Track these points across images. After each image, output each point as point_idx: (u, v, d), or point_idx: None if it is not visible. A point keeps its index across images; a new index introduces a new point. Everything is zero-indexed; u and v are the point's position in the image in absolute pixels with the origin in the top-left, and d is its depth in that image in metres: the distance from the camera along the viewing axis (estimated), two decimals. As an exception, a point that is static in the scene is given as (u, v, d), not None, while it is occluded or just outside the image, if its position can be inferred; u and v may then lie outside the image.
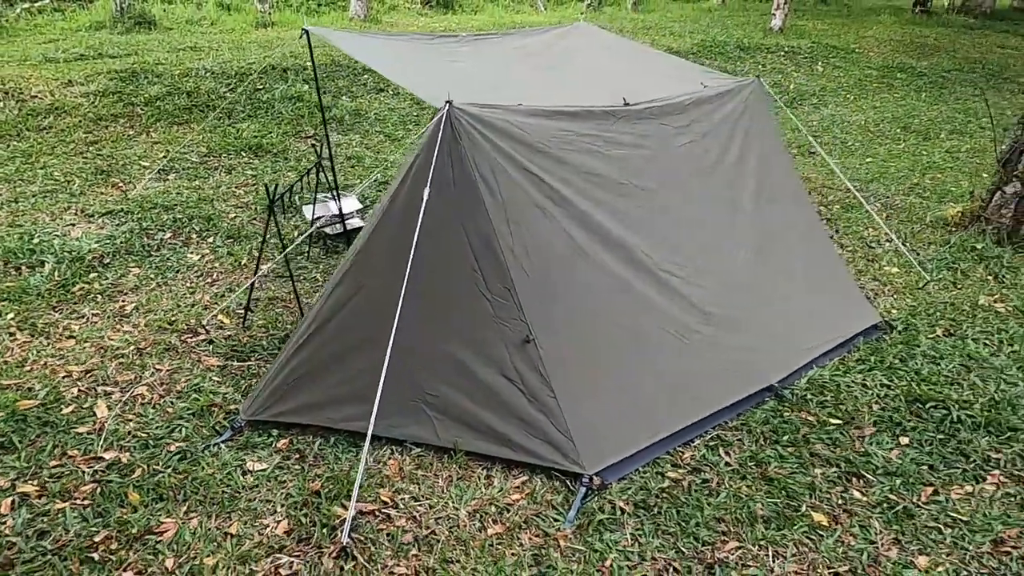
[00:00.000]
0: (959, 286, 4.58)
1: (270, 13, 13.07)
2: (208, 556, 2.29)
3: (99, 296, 3.97)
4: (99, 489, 2.56)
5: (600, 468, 2.78)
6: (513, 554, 2.40)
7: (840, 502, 2.72)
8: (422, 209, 2.79)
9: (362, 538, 2.39)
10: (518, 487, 2.70)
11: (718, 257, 3.60)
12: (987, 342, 3.88)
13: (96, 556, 2.28)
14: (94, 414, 2.96)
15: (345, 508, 2.48)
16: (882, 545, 2.53)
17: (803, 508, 2.67)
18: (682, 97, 3.75)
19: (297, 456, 2.76)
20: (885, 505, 2.72)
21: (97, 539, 2.35)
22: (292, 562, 2.28)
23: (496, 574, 2.31)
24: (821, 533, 2.56)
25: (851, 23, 15.59)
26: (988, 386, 3.46)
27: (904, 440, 3.09)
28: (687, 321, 3.29)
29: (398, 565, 2.29)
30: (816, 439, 3.06)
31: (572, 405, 2.83)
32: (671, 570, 2.39)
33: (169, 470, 2.66)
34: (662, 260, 3.35)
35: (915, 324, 4.03)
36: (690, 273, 3.43)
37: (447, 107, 2.90)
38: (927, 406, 3.29)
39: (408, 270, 2.72)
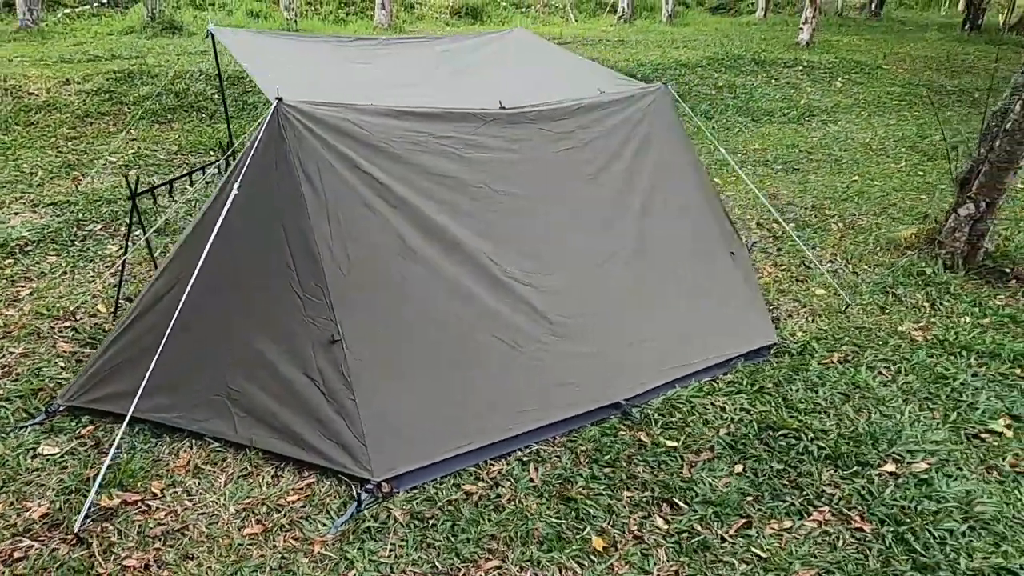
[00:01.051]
0: (886, 312, 4.28)
1: (296, 20, 13.50)
2: (-35, 533, 2.34)
3: (3, 280, 4.14)
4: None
5: (392, 475, 2.70)
6: (261, 555, 2.35)
7: (634, 528, 2.56)
8: (227, 204, 2.80)
9: (111, 528, 2.39)
10: (301, 488, 2.66)
11: (584, 266, 3.46)
12: (883, 371, 3.61)
13: None
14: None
15: (112, 497, 2.49)
16: (657, 576, 2.37)
17: (586, 531, 2.52)
18: (569, 103, 3.64)
19: (93, 443, 2.79)
20: (685, 535, 2.54)
21: None
22: (32, 546, 2.30)
23: (233, 574, 2.27)
24: (593, 559, 2.42)
25: (888, 39, 14.95)
26: (859, 417, 3.22)
27: (739, 468, 2.89)
28: (528, 329, 3.18)
29: (130, 557, 2.27)
30: (641, 461, 2.90)
31: (372, 409, 2.77)
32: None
33: (-29, 448, 2.74)
34: (509, 265, 3.25)
35: (813, 348, 3.79)
36: (542, 280, 3.31)
37: (276, 104, 2.90)
38: (779, 434, 3.07)
39: (200, 263, 2.74)
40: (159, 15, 11.98)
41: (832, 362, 3.67)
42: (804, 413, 3.22)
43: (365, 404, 2.77)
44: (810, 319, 4.16)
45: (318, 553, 2.38)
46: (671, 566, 2.41)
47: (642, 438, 3.03)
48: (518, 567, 2.37)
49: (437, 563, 2.37)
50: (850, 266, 4.89)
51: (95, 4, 12.73)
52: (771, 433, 3.08)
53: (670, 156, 3.95)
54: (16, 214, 5.09)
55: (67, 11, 12.34)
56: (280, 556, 2.36)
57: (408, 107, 3.23)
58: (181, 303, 2.80)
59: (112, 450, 2.45)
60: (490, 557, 2.41)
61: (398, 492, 2.67)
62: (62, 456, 2.67)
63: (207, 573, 2.26)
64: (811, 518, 2.64)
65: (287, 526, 2.48)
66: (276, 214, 2.93)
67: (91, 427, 2.87)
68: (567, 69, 4.60)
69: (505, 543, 2.46)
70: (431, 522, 2.54)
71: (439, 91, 3.88)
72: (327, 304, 2.85)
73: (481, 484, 2.75)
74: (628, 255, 3.60)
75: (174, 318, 2.79)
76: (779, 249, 5.18)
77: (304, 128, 2.94)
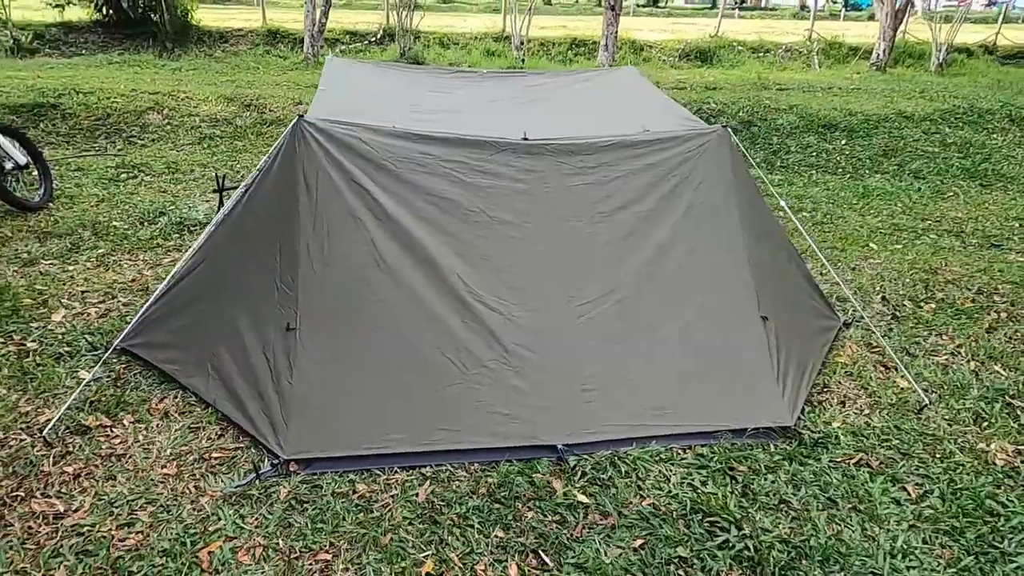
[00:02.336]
0: (980, 423, 3.43)
1: (523, 59, 14.57)
2: None
3: (159, 249, 5.23)
4: None
5: (302, 457, 2.94)
6: (159, 492, 2.74)
7: (481, 568, 2.47)
8: (242, 202, 3.33)
9: (78, 442, 2.98)
10: (230, 450, 3.02)
11: (564, 304, 3.37)
12: (909, 488, 2.93)
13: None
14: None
15: (97, 419, 3.11)
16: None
17: (426, 555, 2.49)
18: (597, 139, 3.61)
19: (115, 378, 3.46)
20: (527, 590, 2.39)
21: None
22: (22, 439, 2.97)
23: (129, 499, 2.69)
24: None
25: None
26: (828, 529, 2.67)
27: (638, 543, 2.60)
28: (479, 354, 3.20)
29: (71, 465, 2.82)
30: (537, 508, 2.75)
31: (303, 395, 3.05)
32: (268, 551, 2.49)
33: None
34: (483, 290, 3.31)
35: (836, 442, 3.20)
36: (514, 311, 3.31)
37: (296, 120, 3.37)
38: (708, 520, 2.69)
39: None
40: (407, 51, 13.80)
41: (848, 464, 3.07)
42: (759, 508, 2.77)
43: (299, 389, 3.05)
44: (863, 411, 3.50)
45: (202, 503, 2.71)
46: (486, 614, 2.30)
47: (555, 486, 2.88)
48: (344, 567, 2.45)
49: (281, 541, 2.55)
50: (975, 363, 3.98)
51: (365, 42, 15.08)
52: (700, 518, 2.71)
53: (712, 203, 3.66)
54: (206, 202, 6.35)
55: (343, 47, 14.79)
56: (172, 496, 2.73)
57: (423, 131, 3.47)
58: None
59: (89, 377, 3.06)
60: (328, 550, 2.52)
61: (299, 473, 2.90)
62: (89, 382, 3.37)
63: (113, 492, 2.72)
64: (680, 614, 2.30)
65: (196, 476, 2.85)
66: (277, 215, 3.37)
67: (123, 366, 3.56)
68: (635, 107, 4.48)
69: (349, 542, 2.55)
70: (304, 506, 2.72)
71: (480, 119, 4.06)
72: (295, 296, 3.21)
73: (374, 487, 2.85)
74: (620, 301, 3.41)
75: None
76: (891, 329, 4.39)
77: (315, 142, 3.34)
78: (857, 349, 4.09)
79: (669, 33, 17.66)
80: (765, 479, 2.94)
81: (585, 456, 3.05)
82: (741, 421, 3.27)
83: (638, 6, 30.45)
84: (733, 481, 2.92)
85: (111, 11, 13.73)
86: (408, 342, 3.20)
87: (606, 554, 2.54)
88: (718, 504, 2.76)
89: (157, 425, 3.14)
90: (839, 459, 3.10)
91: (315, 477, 2.88)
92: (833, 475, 2.98)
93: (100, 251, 5.07)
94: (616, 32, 14.13)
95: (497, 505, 2.77)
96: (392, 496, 2.80)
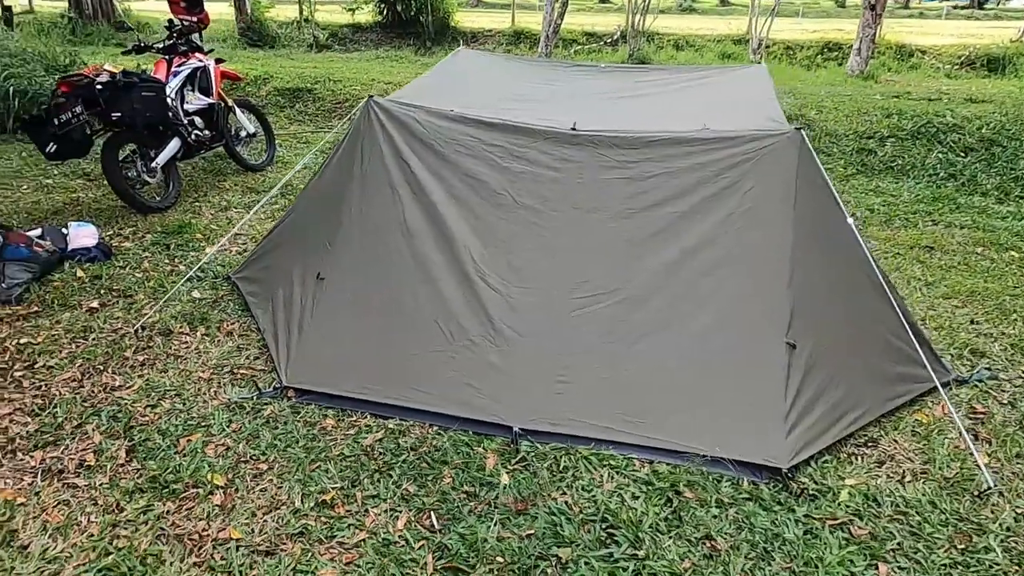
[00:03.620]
0: (1059, 526, 2.66)
1: (761, 58, 13.69)
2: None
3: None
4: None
5: (299, 387, 3.37)
6: (188, 389, 3.39)
7: (377, 514, 2.66)
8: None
9: (156, 341, 3.78)
10: (257, 368, 3.58)
11: (564, 295, 3.35)
12: (897, 568, 2.42)
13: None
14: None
15: (180, 326, 3.91)
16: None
17: (331, 487, 2.75)
18: (644, 134, 3.52)
19: (213, 299, 4.26)
20: (430, 534, 2.53)
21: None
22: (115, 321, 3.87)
23: (172, 389, 3.38)
24: (323, 508, 2.67)
25: None
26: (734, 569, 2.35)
27: (526, 533, 2.56)
28: (468, 327, 3.34)
29: (141, 354, 3.61)
30: (457, 475, 2.84)
31: (314, 335, 3.50)
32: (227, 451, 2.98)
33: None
34: (488, 269, 3.44)
35: (833, 497, 2.75)
36: (514, 293, 3.39)
37: (367, 100, 3.83)
38: (606, 528, 2.53)
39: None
40: (635, 52, 13.83)
41: (823, 523, 2.63)
42: (676, 537, 2.53)
43: (312, 329, 3.51)
44: (903, 477, 2.91)
45: (211, 404, 3.29)
46: (353, 548, 2.49)
47: (488, 462, 2.93)
48: (271, 478, 2.82)
49: (241, 446, 3.00)
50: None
51: (601, 43, 15.41)
52: (604, 526, 2.57)
53: (760, 211, 3.34)
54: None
55: (577, 47, 15.30)
56: (194, 394, 3.35)
57: (474, 116, 3.70)
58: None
59: (177, 287, 3.86)
60: (267, 463, 2.91)
61: (292, 401, 3.34)
62: (198, 298, 4.22)
63: (158, 381, 3.43)
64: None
65: (221, 384, 3.45)
66: (337, 181, 3.87)
67: (225, 292, 4.36)
68: (727, 105, 4.14)
69: (286, 461, 2.92)
70: (275, 424, 3.15)
71: (554, 109, 4.10)
72: (333, 252, 3.67)
73: (339, 425, 3.18)
74: (624, 301, 3.30)
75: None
76: (1017, 399, 3.51)
77: (376, 119, 3.76)
78: (947, 411, 3.37)
79: (955, 37, 15.14)
80: (706, 512, 2.66)
81: (538, 444, 3.04)
82: (726, 450, 2.96)
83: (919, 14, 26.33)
84: (667, 504, 2.69)
85: (389, 13, 15.94)
86: (409, 306, 3.46)
87: (491, 533, 2.56)
88: (631, 519, 2.58)
89: (218, 340, 3.83)
90: (817, 516, 2.66)
91: (300, 405, 3.30)
92: (792, 529, 2.58)
93: (276, 207, 6.13)
94: (874, 35, 12.62)
95: (423, 464, 2.92)
96: (345, 435, 3.10)
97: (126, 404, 3.26)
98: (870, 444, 3.13)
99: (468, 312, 3.38)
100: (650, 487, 2.79)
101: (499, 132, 3.64)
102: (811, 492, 2.79)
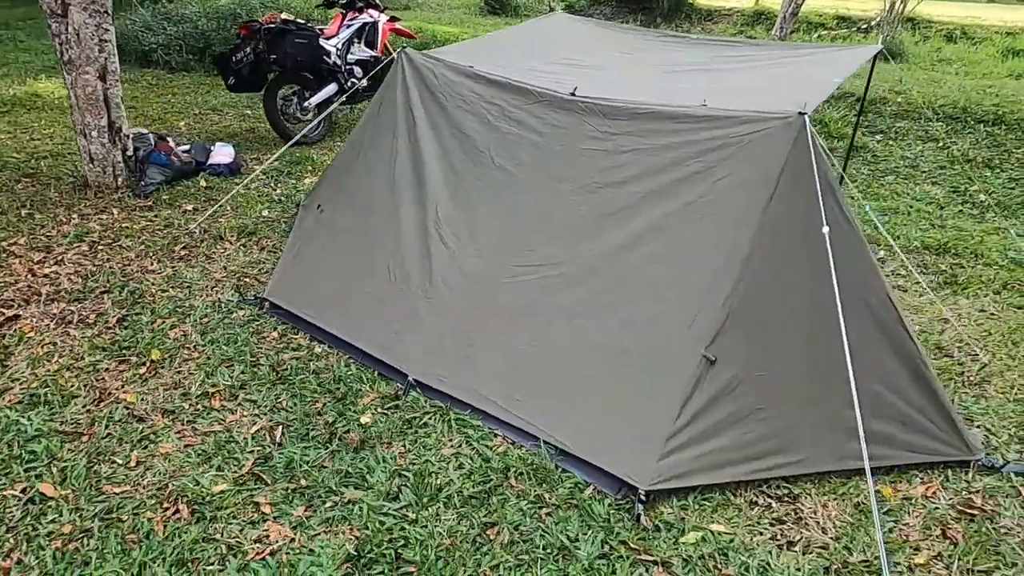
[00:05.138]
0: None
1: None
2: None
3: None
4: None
5: (272, 301, 3.75)
6: (198, 284, 3.96)
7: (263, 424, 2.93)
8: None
9: (201, 239, 4.44)
10: (261, 279, 4.04)
11: (508, 258, 3.24)
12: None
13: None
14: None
15: (226, 235, 4.53)
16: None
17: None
18: (632, 105, 3.25)
19: (274, 221, 4.83)
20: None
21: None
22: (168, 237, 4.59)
23: (188, 281, 3.99)
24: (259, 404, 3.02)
25: None
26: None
27: (349, 468, 2.63)
28: (413, 278, 3.41)
29: (184, 249, 4.28)
30: (328, 397, 2.98)
31: (300, 259, 3.85)
32: (186, 336, 3.47)
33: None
34: (447, 224, 3.47)
35: (680, 537, 2.38)
36: (461, 251, 3.37)
37: (400, 50, 4.03)
38: (410, 495, 2.49)
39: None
40: (887, 40, 11.97)
41: (645, 560, 2.28)
42: (451, 506, 2.40)
43: (300, 253, 3.87)
44: (791, 542, 2.39)
45: (206, 301, 3.81)
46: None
47: (364, 400, 3.02)
48: (198, 366, 3.23)
49: (196, 336, 3.47)
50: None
51: (853, 28, 13.57)
52: (409, 482, 2.53)
53: (726, 203, 2.90)
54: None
55: (823, 32, 13.65)
56: (200, 290, 3.91)
57: (483, 72, 3.70)
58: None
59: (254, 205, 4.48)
60: (200, 355, 3.33)
61: (263, 311, 3.73)
62: (264, 216, 4.84)
63: (182, 274, 4.05)
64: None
65: (225, 287, 3.97)
66: (363, 126, 4.11)
67: (289, 215, 4.92)
68: (781, 85, 3.55)
69: (219, 357, 3.30)
70: (231, 327, 3.56)
71: (592, 76, 3.85)
72: (335, 187, 3.97)
73: (282, 340, 3.48)
74: (559, 276, 3.12)
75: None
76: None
77: (402, 70, 3.94)
78: (944, 494, 2.64)
79: None
80: (516, 503, 2.47)
81: (422, 398, 3.05)
82: (592, 454, 2.69)
83: None
84: (483, 484, 2.55)
85: (625, -12, 15.73)
86: (374, 247, 3.62)
87: (311, 458, 2.68)
88: (435, 486, 2.52)
89: (251, 251, 4.38)
90: (635, 546, 2.32)
91: (264, 316, 3.67)
92: (588, 548, 2.29)
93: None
94: None
95: (312, 387, 3.11)
96: (274, 347, 3.41)
97: (147, 284, 3.93)
98: (784, 499, 2.60)
99: (416, 261, 3.45)
100: (486, 463, 2.66)
101: (499, 90, 3.59)
102: (658, 523, 2.43)
